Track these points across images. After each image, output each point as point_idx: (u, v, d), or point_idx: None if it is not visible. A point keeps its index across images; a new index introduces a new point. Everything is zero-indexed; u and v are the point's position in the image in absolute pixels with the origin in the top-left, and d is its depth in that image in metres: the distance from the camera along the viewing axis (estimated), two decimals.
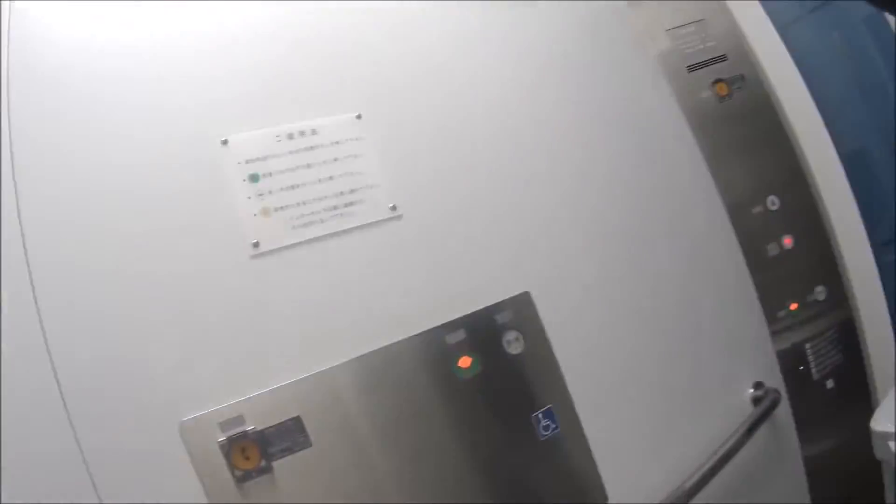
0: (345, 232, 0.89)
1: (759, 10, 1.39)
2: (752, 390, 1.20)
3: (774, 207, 1.30)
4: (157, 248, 0.80)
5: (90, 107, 0.81)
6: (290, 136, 0.90)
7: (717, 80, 1.34)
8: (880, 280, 1.31)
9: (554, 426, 0.94)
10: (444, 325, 0.90)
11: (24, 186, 0.75)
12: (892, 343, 1.30)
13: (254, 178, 0.87)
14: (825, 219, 1.33)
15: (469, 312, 0.92)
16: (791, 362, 1.26)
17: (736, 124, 1.32)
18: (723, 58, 1.36)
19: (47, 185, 0.77)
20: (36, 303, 0.73)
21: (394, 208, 0.92)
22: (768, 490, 1.18)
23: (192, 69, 0.88)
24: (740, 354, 1.20)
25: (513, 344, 0.94)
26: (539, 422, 0.93)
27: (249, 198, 0.86)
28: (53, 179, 0.77)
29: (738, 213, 1.27)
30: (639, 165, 1.17)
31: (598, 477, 0.96)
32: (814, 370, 1.28)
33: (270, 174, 0.88)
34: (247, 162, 0.87)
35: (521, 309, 0.96)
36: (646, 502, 0.98)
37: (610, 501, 0.96)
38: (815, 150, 1.33)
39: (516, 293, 0.96)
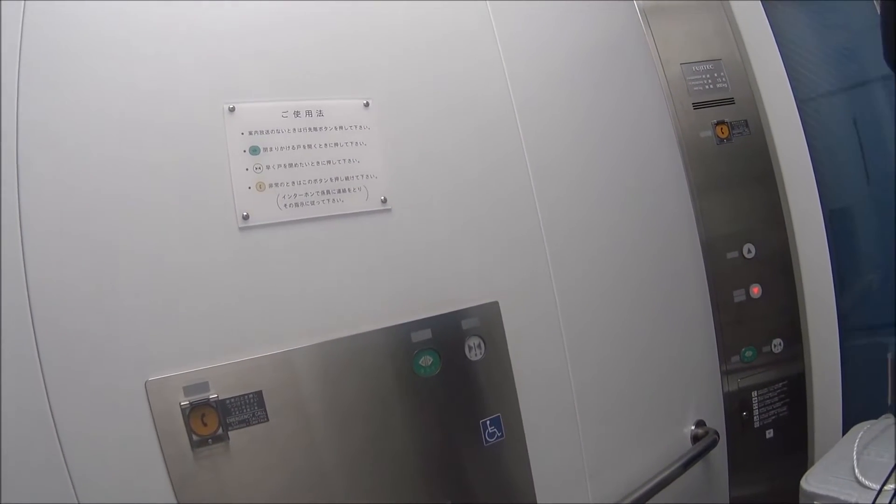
0: (333, 217, 0.91)
1: (776, 59, 1.40)
2: (693, 427, 1.25)
3: (750, 255, 1.32)
4: (146, 207, 0.81)
5: (96, 62, 0.81)
6: (297, 114, 0.91)
7: (720, 122, 1.35)
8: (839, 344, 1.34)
9: (499, 434, 0.97)
10: (412, 323, 0.93)
11: (24, 147, 0.75)
12: (839, 405, 1.33)
13: (254, 150, 0.88)
14: (797, 275, 1.36)
15: (438, 314, 0.95)
16: (736, 406, 1.31)
17: (729, 169, 1.34)
18: (730, 101, 1.38)
19: (45, 146, 0.77)
20: (24, 253, 0.74)
21: (384, 201, 0.94)
22: None
23: (207, 31, 0.88)
24: (690, 391, 1.25)
25: (474, 350, 0.97)
26: (486, 428, 0.96)
27: (247, 169, 0.87)
28: (53, 140, 0.77)
29: (714, 255, 1.30)
30: (628, 192, 1.20)
31: (532, 490, 1.00)
32: (756, 418, 1.32)
33: (270, 149, 0.89)
34: (250, 133, 0.88)
35: (488, 317, 0.98)
36: None
37: None
38: (800, 208, 1.35)
39: (486, 301, 0.99)
